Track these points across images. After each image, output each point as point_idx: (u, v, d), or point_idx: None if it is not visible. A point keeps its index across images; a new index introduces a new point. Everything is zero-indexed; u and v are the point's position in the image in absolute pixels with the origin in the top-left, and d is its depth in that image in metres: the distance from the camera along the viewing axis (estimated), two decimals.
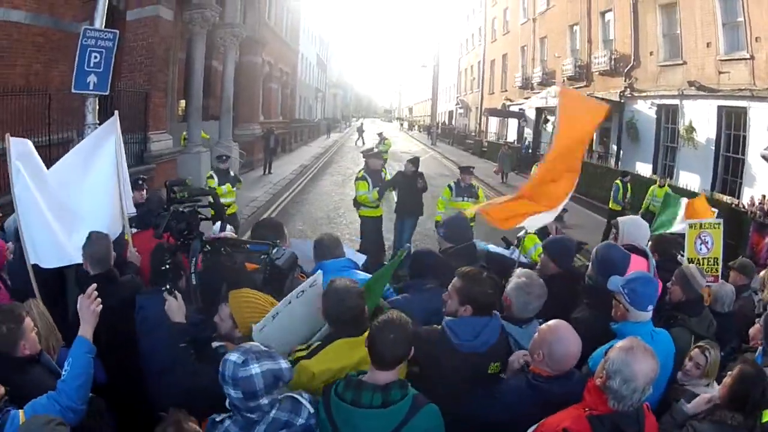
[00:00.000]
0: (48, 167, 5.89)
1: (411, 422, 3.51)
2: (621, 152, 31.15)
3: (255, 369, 3.37)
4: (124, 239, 6.32)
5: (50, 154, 13.15)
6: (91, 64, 12.22)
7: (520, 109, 46.88)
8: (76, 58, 12.11)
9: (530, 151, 41.57)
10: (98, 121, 12.14)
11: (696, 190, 20.01)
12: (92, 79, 12.29)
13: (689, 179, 23.26)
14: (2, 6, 13.28)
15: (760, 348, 5.27)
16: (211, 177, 14.39)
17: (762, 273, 8.21)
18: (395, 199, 15.21)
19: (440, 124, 77.17)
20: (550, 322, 4.15)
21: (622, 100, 30.46)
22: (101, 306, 4.12)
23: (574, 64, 36.44)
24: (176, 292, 4.46)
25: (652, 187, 18.98)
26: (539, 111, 41.72)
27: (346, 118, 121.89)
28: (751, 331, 5.66)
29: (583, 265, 6.35)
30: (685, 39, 25.09)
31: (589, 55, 34.98)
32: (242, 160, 25.71)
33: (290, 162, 37.94)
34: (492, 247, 7.64)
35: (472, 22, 67.65)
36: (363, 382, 3.64)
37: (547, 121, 41.22)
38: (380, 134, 34.71)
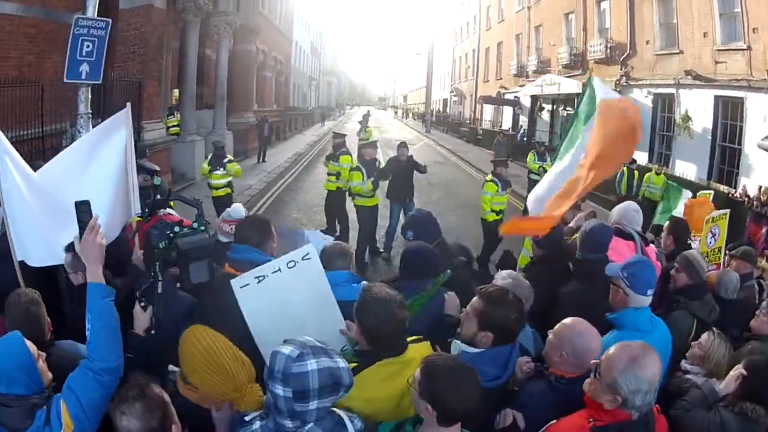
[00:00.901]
0: (41, 158, 5.77)
1: None
2: None
3: (312, 365, 2.94)
4: (126, 239, 6.06)
5: (43, 145, 13.09)
6: (84, 54, 12.09)
7: (515, 97, 46.93)
8: (68, 48, 11.99)
9: (525, 138, 41.65)
10: (91, 111, 12.12)
11: (692, 179, 20.05)
12: (84, 68, 12.16)
13: (685, 168, 23.28)
14: None
15: None
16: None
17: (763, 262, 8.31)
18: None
19: (435, 112, 77.08)
20: (565, 321, 4.01)
21: (618, 89, 30.24)
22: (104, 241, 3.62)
23: (569, 53, 36.34)
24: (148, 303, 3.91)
25: (648, 174, 19.45)
26: (534, 99, 41.88)
27: (341, 106, 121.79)
28: (754, 323, 5.49)
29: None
30: (682, 28, 24.97)
31: (584, 43, 34.84)
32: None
33: (285, 150, 37.95)
34: None
35: (467, 9, 67.40)
36: None
37: (542, 108, 41.43)
38: (361, 121, 34.48)
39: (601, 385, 3.29)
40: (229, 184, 15.57)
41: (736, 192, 19.43)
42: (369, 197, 14.05)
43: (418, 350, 3.92)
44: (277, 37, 47.59)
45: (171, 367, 3.96)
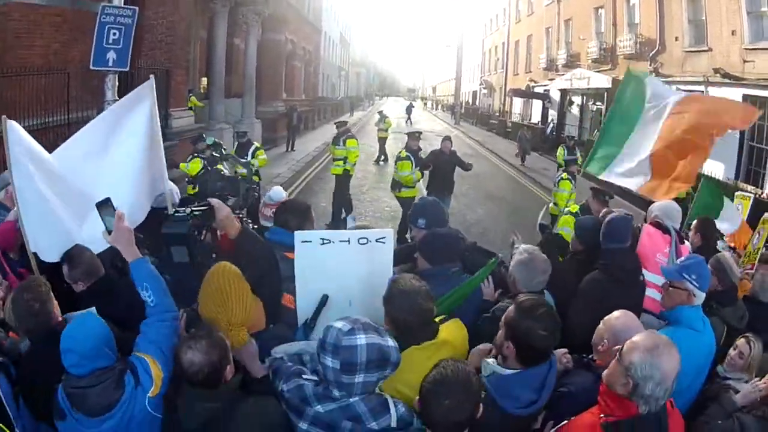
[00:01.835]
0: None
1: None
2: None
3: (361, 340, 3.12)
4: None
5: (69, 133, 13.21)
6: (110, 41, 12.26)
7: (544, 91, 46.70)
8: (95, 35, 12.12)
9: (554, 132, 41.46)
10: (117, 98, 12.03)
11: (720, 178, 19.80)
12: (111, 55, 12.34)
13: (713, 167, 22.95)
14: None
15: None
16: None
17: None
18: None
19: (464, 104, 76.78)
20: (615, 313, 4.02)
21: None
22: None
23: (599, 47, 36.09)
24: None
25: None
26: (563, 92, 41.68)
27: (369, 96, 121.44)
28: (729, 362, 5.26)
29: None
30: (711, 26, 24.70)
31: (614, 38, 34.54)
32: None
33: (313, 139, 37.95)
34: None
35: (497, 2, 66.72)
36: None
37: (571, 103, 41.14)
38: (380, 112, 34.66)
39: (619, 368, 3.28)
40: (256, 173, 15.21)
41: (763, 193, 19.22)
42: (411, 188, 14.23)
43: (449, 331, 4.01)
44: (306, 27, 47.69)
45: None
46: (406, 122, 58.93)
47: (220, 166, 12.37)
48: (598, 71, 35.24)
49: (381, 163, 30.47)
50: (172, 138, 18.10)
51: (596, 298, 4.50)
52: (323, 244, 4.13)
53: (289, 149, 31.42)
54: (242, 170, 13.94)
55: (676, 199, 13.44)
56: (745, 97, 22.25)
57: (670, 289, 4.66)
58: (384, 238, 4.28)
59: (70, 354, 3.34)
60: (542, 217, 9.18)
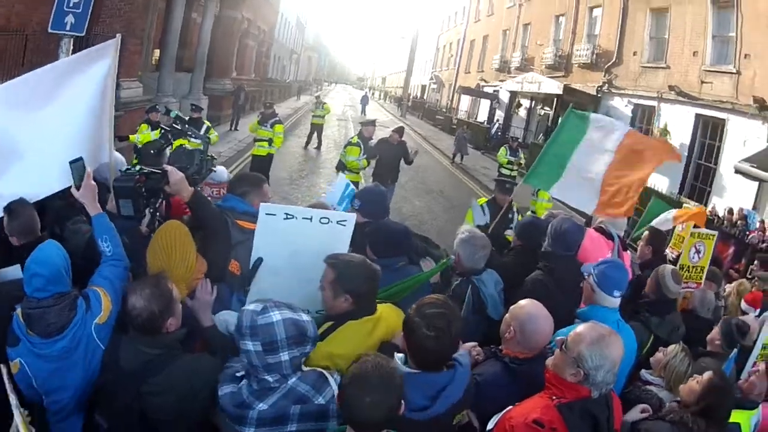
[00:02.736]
0: None
1: None
2: None
3: (276, 316, 3.14)
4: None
5: None
6: (71, 5, 11.88)
7: (494, 91, 47.40)
8: None
9: (500, 133, 41.97)
10: None
11: (664, 192, 20.17)
12: (70, 19, 11.94)
13: (657, 180, 23.39)
14: None
15: (732, 355, 5.29)
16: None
17: (729, 287, 8.50)
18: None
19: (412, 97, 76.99)
20: (521, 302, 4.18)
21: (599, 95, 30.75)
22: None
23: (554, 54, 36.65)
24: None
25: None
26: (513, 95, 42.09)
27: (318, 81, 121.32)
28: (709, 336, 5.67)
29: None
30: (672, 44, 25.28)
31: (571, 46, 35.12)
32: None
33: None
34: None
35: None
36: None
37: (519, 105, 41.70)
38: (317, 97, 34.94)
39: (567, 359, 3.42)
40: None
41: (706, 210, 19.63)
42: (355, 173, 14.29)
43: (383, 308, 4.13)
44: (264, 6, 47.05)
45: None
46: (361, 114, 58.52)
47: (183, 141, 12.19)
48: (551, 77, 35.76)
49: (312, 149, 30.23)
50: (118, 108, 17.65)
51: (538, 298, 4.41)
52: (286, 218, 4.28)
53: (233, 128, 31.04)
54: (196, 142, 13.73)
55: None
56: (698, 117, 23.07)
57: (584, 282, 4.89)
58: (345, 221, 4.46)
59: (36, 278, 3.54)
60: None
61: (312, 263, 4.10)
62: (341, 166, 14.85)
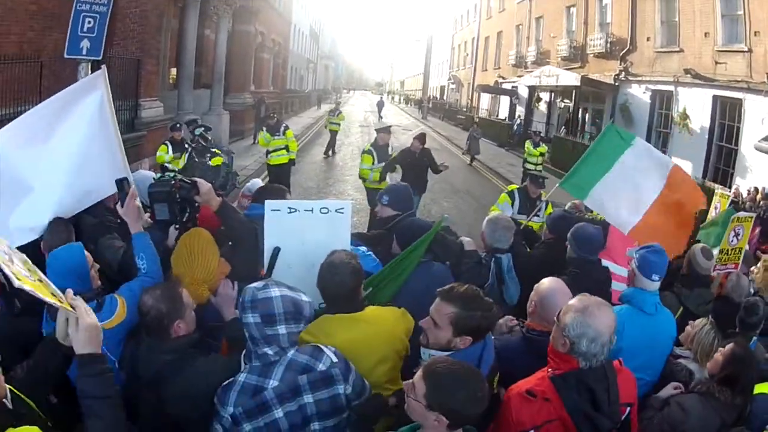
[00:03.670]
0: None
1: None
2: None
3: (275, 292, 3.36)
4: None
5: None
6: (85, 29, 12.13)
7: (512, 87, 47.03)
8: (70, 23, 11.94)
9: (521, 129, 41.71)
10: None
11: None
12: (85, 44, 12.21)
13: (681, 165, 23.19)
14: None
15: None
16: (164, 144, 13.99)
17: (755, 267, 8.41)
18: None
19: (431, 99, 76.90)
20: (545, 279, 4.42)
21: (617, 83, 30.53)
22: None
23: (569, 45, 36.45)
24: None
25: None
26: (532, 89, 41.74)
27: (337, 89, 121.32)
28: (682, 334, 5.33)
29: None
30: (683, 27, 25.09)
31: (584, 36, 34.91)
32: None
33: None
34: None
35: None
36: None
37: (539, 99, 41.39)
38: (338, 104, 36.00)
39: (558, 329, 3.53)
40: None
41: (730, 192, 19.51)
42: (378, 182, 13.91)
43: (379, 313, 4.20)
44: (276, 19, 47.27)
45: None
46: (379, 119, 58.32)
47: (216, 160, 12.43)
48: (568, 69, 35.52)
49: (330, 155, 30.49)
50: (140, 129, 17.91)
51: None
52: (290, 212, 4.59)
53: (256, 141, 30.90)
54: (221, 159, 13.86)
55: None
56: (715, 98, 22.82)
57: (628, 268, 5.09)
58: (343, 208, 4.72)
59: (47, 269, 3.84)
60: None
61: (318, 251, 4.26)
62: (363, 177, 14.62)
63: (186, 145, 13.30)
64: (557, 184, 8.41)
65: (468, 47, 67.35)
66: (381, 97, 51.48)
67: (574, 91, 34.38)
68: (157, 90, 21.35)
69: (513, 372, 3.80)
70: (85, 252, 4.27)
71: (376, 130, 15.65)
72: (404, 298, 4.61)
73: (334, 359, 3.47)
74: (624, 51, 30.06)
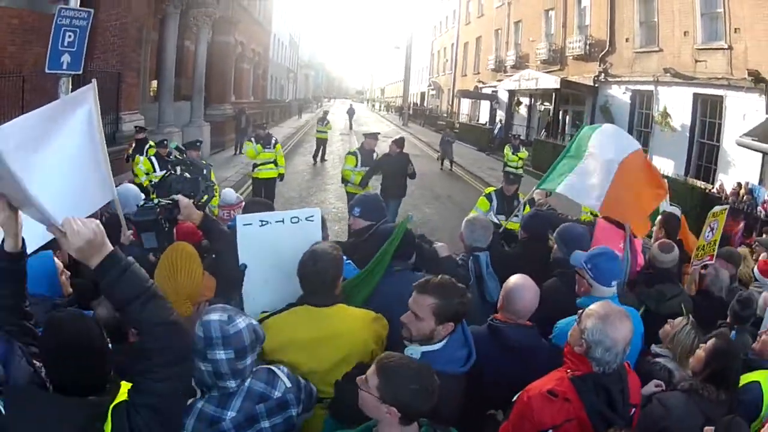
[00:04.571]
0: None
1: None
2: None
3: (241, 324, 3.26)
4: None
5: None
6: (65, 44, 12.03)
7: (492, 91, 47.28)
8: (51, 38, 11.88)
9: (502, 133, 41.78)
10: None
11: (670, 175, 20.17)
12: (66, 58, 12.11)
13: (663, 164, 23.45)
14: None
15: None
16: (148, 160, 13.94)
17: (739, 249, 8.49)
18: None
19: (412, 105, 76.98)
20: (514, 275, 4.55)
21: (596, 85, 30.80)
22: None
23: (548, 48, 36.71)
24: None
25: None
26: (512, 93, 41.95)
27: (318, 98, 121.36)
28: (661, 332, 5.17)
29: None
30: (662, 27, 25.33)
31: (563, 39, 35.17)
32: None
33: None
34: None
35: (446, 4, 67.52)
36: None
37: (519, 103, 41.59)
38: (325, 113, 36.18)
39: (578, 330, 3.62)
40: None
41: (713, 188, 19.67)
42: (359, 186, 14.07)
43: (347, 314, 4.19)
44: (256, 29, 47.19)
45: None
46: (350, 127, 58.00)
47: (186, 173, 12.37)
48: (547, 72, 35.73)
49: (318, 162, 30.82)
50: (122, 142, 17.84)
51: (552, 300, 4.85)
52: (262, 225, 4.58)
53: (238, 152, 30.98)
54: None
55: None
56: (696, 96, 23.03)
57: (577, 276, 5.00)
58: (312, 216, 4.76)
59: None
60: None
61: (293, 261, 4.24)
62: (345, 180, 14.71)
63: (165, 160, 13.25)
64: (534, 187, 8.47)
65: (447, 53, 67.75)
66: (350, 105, 50.32)
67: (554, 94, 34.52)
68: (138, 103, 21.41)
69: (479, 360, 3.95)
70: (55, 259, 4.43)
71: (363, 134, 15.78)
72: (382, 306, 4.54)
73: (288, 384, 3.48)
74: (603, 52, 30.32)
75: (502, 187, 10.49)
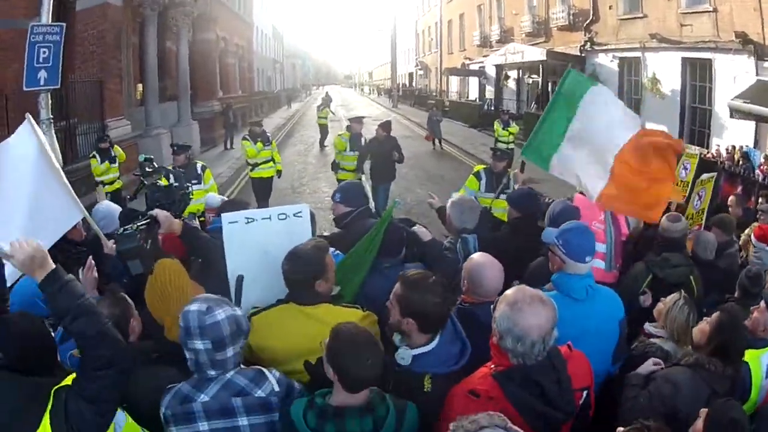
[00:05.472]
0: None
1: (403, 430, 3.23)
2: None
3: (221, 314, 3.26)
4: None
5: None
6: (41, 60, 11.89)
7: (480, 67, 47.25)
8: (26, 56, 11.76)
9: (492, 108, 41.65)
10: (52, 116, 12.26)
11: None
12: (42, 74, 11.98)
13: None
14: None
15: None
16: (93, 157, 14.72)
17: (743, 235, 8.39)
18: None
19: (401, 87, 76.86)
20: (473, 254, 4.64)
21: (583, 54, 30.65)
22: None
23: (532, 21, 36.71)
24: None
25: None
26: (499, 68, 42.04)
27: (306, 87, 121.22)
28: (655, 310, 5.06)
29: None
30: None
31: (546, 10, 35.11)
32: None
33: None
34: None
35: None
36: (342, 408, 3.14)
37: (507, 77, 41.54)
38: (323, 101, 36.01)
39: (493, 319, 3.36)
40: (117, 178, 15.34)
41: (708, 153, 19.57)
42: (350, 171, 14.39)
43: (339, 312, 4.07)
44: (237, 23, 46.99)
45: None
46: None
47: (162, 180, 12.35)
48: (533, 44, 35.70)
49: (311, 154, 30.92)
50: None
51: (540, 279, 4.72)
52: (248, 222, 4.53)
53: (228, 147, 31.07)
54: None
55: None
56: (684, 60, 22.88)
57: (549, 252, 4.76)
58: (300, 212, 4.69)
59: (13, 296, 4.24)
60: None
61: (282, 258, 4.17)
62: (335, 167, 14.97)
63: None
64: (519, 155, 7.99)
65: (432, 32, 67.49)
66: (326, 92, 49.69)
67: (541, 66, 34.45)
68: (122, 108, 21.38)
69: None
70: None
71: (348, 119, 16.18)
72: (373, 305, 4.45)
73: (276, 388, 3.39)
74: (587, 21, 30.18)
75: (491, 164, 10.42)
